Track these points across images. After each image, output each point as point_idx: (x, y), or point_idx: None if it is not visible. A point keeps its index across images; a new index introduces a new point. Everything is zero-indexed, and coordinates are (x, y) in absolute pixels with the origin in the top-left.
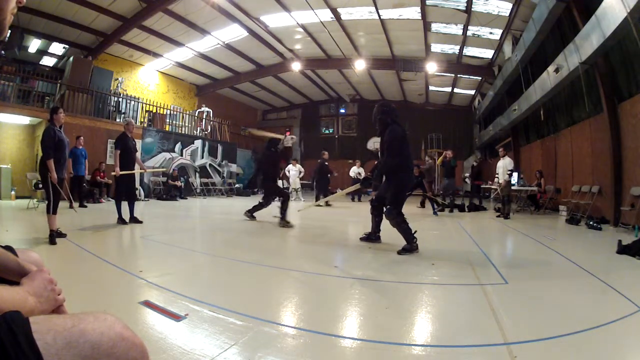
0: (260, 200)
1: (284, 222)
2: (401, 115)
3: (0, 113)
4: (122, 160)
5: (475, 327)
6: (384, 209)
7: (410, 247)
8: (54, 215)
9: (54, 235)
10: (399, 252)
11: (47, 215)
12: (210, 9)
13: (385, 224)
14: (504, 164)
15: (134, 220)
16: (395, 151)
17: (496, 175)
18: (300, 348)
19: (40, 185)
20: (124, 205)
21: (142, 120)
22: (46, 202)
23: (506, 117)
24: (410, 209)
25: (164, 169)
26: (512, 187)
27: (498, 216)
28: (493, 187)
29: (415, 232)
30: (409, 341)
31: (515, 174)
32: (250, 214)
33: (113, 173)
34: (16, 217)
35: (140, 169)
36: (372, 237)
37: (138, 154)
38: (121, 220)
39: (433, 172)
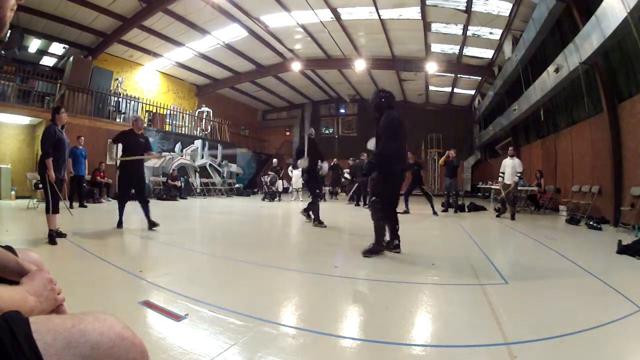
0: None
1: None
2: (401, 115)
3: (0, 113)
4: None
5: (475, 327)
6: (371, 200)
7: (377, 248)
8: (54, 215)
9: (54, 235)
10: (364, 254)
11: (47, 215)
12: (210, 9)
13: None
14: (512, 164)
15: (151, 224)
16: (394, 135)
17: (500, 174)
18: (300, 348)
19: (40, 185)
20: (125, 207)
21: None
22: (45, 201)
23: (506, 117)
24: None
25: (163, 157)
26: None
27: (497, 216)
28: (494, 187)
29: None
30: (409, 341)
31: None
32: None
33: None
34: (16, 217)
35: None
36: (391, 245)
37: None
38: (120, 225)
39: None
